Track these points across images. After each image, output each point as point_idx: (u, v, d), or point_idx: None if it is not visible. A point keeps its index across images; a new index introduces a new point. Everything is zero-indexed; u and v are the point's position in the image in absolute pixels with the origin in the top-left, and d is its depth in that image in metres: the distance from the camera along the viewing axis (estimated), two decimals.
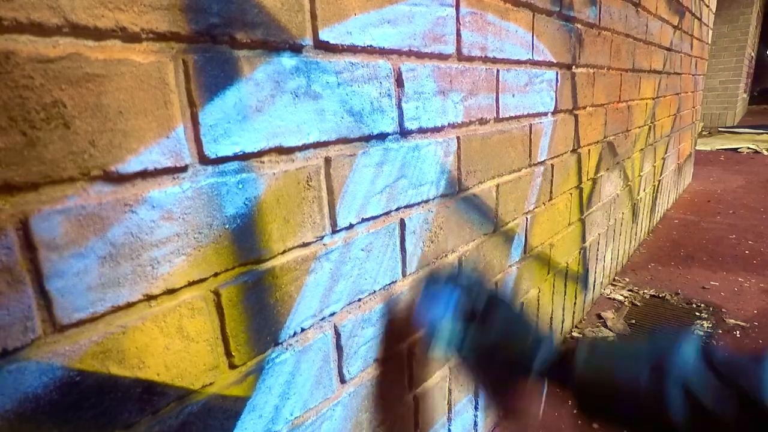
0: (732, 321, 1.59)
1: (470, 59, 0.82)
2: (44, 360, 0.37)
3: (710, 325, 1.57)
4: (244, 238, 0.51)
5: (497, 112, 0.92)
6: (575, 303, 1.59)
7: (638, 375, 0.47)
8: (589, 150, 1.46)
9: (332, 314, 0.63)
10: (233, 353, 0.51)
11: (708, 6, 3.16)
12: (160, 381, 0.45)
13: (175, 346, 0.46)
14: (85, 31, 0.36)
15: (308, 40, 0.54)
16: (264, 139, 0.51)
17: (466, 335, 0.61)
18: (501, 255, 1.04)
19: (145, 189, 0.42)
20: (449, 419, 0.94)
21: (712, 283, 1.90)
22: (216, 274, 0.48)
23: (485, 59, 0.86)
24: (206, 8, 0.43)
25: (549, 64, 1.11)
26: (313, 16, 0.54)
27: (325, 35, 0.55)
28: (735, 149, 5.43)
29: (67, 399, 0.38)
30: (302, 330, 0.59)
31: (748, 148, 5.44)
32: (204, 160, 0.46)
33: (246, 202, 0.50)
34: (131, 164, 0.40)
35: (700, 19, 2.92)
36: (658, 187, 2.60)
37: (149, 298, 0.43)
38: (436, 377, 0.88)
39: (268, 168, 0.52)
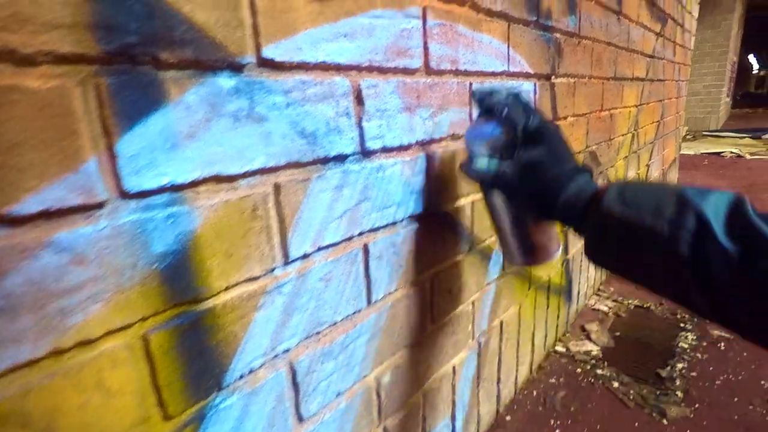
0: (716, 333, 1.57)
1: (440, 73, 0.78)
2: None
3: (694, 338, 1.55)
4: (178, 278, 0.46)
5: None
6: (558, 316, 1.55)
7: (661, 208, 0.45)
8: None
9: (286, 351, 0.58)
10: (168, 403, 0.46)
11: (690, 12, 3.17)
12: None
13: (93, 402, 0.41)
14: None
15: (250, 58, 0.49)
16: (198, 168, 0.46)
17: (506, 156, 0.60)
18: (478, 273, 0.99)
19: (50, 231, 0.37)
20: None
21: None
22: (143, 319, 0.43)
23: (457, 72, 0.82)
24: (121, 26, 0.39)
25: (527, 75, 1.07)
26: (256, 32, 0.49)
27: (270, 52, 0.51)
28: (718, 153, 5.48)
29: None
30: (251, 371, 0.54)
31: (731, 152, 5.49)
32: (124, 194, 0.41)
33: (178, 238, 0.45)
34: (29, 204, 0.35)
35: (682, 26, 2.93)
36: None
37: (59, 352, 0.38)
38: (408, 405, 0.83)
39: (205, 199, 0.47)
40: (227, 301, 0.51)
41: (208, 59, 0.45)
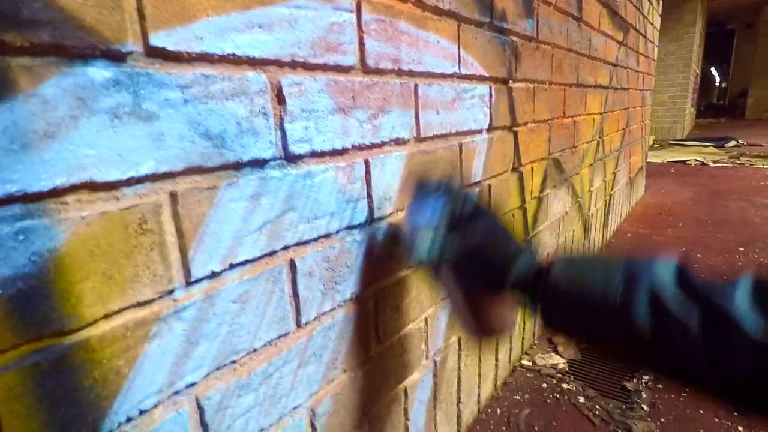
0: None
1: (379, 72, 0.72)
2: None
3: None
4: (34, 306, 0.38)
5: (417, 131, 0.82)
6: (524, 329, 1.51)
7: (610, 282, 0.47)
8: (532, 168, 1.39)
9: (191, 385, 0.51)
10: None
11: (652, 23, 3.24)
12: None
13: None
14: None
15: (134, 46, 0.42)
16: (63, 174, 0.38)
17: (447, 241, 0.61)
18: (431, 287, 0.93)
19: None
20: None
21: None
22: None
23: (399, 72, 0.76)
24: None
25: (481, 78, 1.03)
26: (141, 16, 0.42)
27: (159, 40, 0.44)
28: (684, 161, 5.63)
29: None
30: (141, 412, 0.46)
31: (696, 160, 5.64)
32: None
33: (33, 259, 0.37)
34: None
35: (645, 36, 2.99)
36: (609, 201, 2.59)
37: None
38: None
39: (74, 211, 0.40)
40: (107, 332, 0.43)
41: (74, 45, 0.38)
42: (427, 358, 0.95)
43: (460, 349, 1.09)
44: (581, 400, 1.27)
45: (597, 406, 1.24)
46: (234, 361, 0.55)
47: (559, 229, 1.75)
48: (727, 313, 0.40)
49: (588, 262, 0.53)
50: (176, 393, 0.49)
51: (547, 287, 0.52)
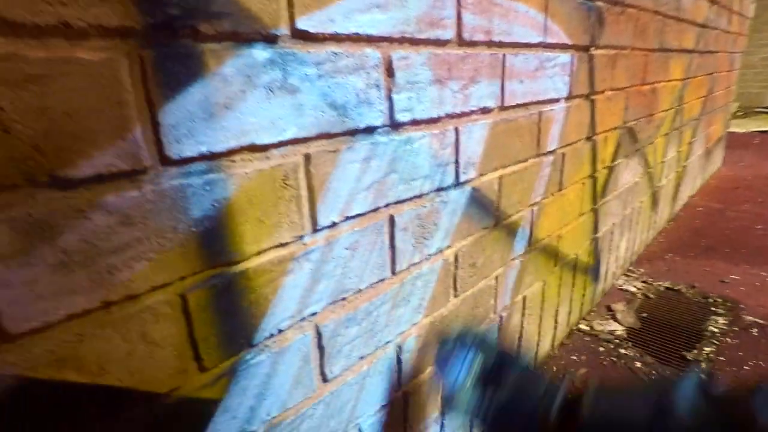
0: (750, 318, 1.53)
1: (472, 44, 0.76)
2: None
3: (725, 322, 1.51)
4: (214, 241, 0.49)
5: (502, 100, 0.87)
6: (584, 294, 1.54)
7: (642, 416, 0.48)
8: (606, 137, 1.38)
9: (313, 314, 0.61)
10: (203, 357, 0.50)
11: None
12: (123, 386, 0.44)
13: (138, 352, 0.45)
14: (23, 29, 0.34)
15: (284, 30, 0.50)
16: (234, 138, 0.48)
17: (482, 400, 0.60)
18: (503, 249, 1.00)
19: (100, 194, 0.40)
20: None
21: (732, 276, 1.82)
22: (182, 278, 0.47)
23: (490, 43, 0.80)
24: None
25: (563, 47, 1.03)
26: (290, 3, 0.50)
27: (303, 24, 0.51)
28: None
29: (19, 406, 0.38)
30: (279, 331, 0.58)
31: None
32: (166, 161, 0.43)
33: (214, 204, 0.48)
34: (83, 169, 0.38)
35: None
36: (682, 173, 2.48)
37: (108, 304, 0.42)
38: (426, 373, 0.86)
39: (240, 167, 0.49)
40: (259, 265, 0.53)
41: (244, 31, 0.47)
42: (495, 313, 1.03)
43: (524, 308, 1.16)
44: (638, 365, 1.32)
45: (654, 372, 1.28)
46: (344, 298, 0.65)
47: (627, 199, 1.73)
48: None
49: (613, 395, 0.53)
50: (302, 319, 0.60)
51: (580, 426, 0.53)
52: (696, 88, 2.28)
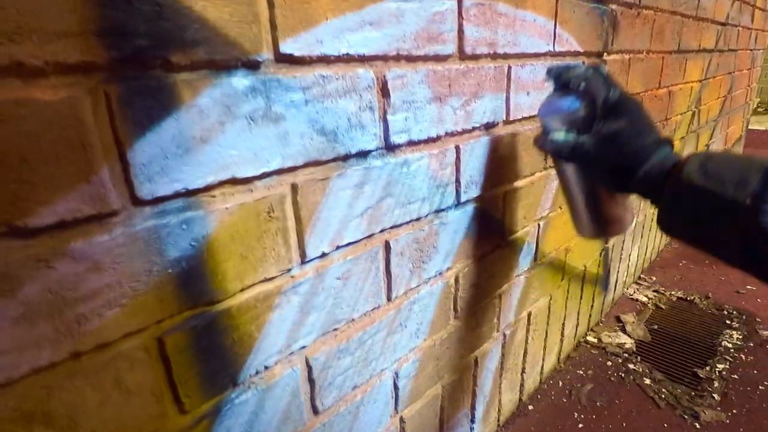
0: (766, 333, 1.47)
1: (475, 58, 0.72)
2: None
3: (740, 337, 1.46)
4: (193, 281, 0.46)
5: (507, 114, 0.83)
6: (592, 306, 1.50)
7: (745, 180, 0.45)
8: None
9: (302, 348, 0.59)
10: (183, 400, 0.48)
11: None
12: None
13: (112, 400, 0.42)
14: None
15: (267, 55, 0.47)
16: (213, 173, 0.45)
17: (588, 124, 0.59)
18: (507, 266, 0.96)
19: (65, 241, 0.37)
20: None
21: (748, 287, 1.76)
22: (159, 322, 0.44)
23: (494, 56, 0.76)
24: (131, 29, 0.37)
25: (575, 54, 0.99)
26: (273, 26, 0.47)
27: (288, 47, 0.48)
28: None
29: None
30: (266, 368, 0.55)
31: None
32: (138, 202, 0.41)
33: (193, 243, 0.45)
34: (44, 216, 0.35)
35: None
36: None
37: (77, 355, 0.39)
38: (426, 396, 0.83)
39: (220, 203, 0.47)
40: (242, 303, 0.51)
41: (222, 58, 0.44)
42: (497, 331, 1.00)
43: (528, 324, 1.12)
44: (647, 381, 1.28)
45: (664, 390, 1.24)
46: (336, 329, 0.62)
47: (639, 206, 1.67)
48: None
49: (726, 160, 0.49)
50: (291, 353, 0.58)
51: (677, 182, 0.50)
52: (715, 88, 2.20)
